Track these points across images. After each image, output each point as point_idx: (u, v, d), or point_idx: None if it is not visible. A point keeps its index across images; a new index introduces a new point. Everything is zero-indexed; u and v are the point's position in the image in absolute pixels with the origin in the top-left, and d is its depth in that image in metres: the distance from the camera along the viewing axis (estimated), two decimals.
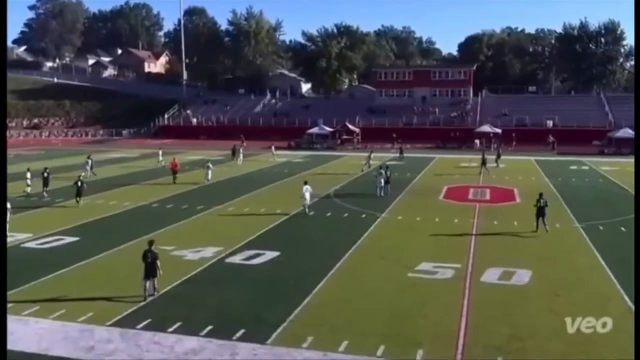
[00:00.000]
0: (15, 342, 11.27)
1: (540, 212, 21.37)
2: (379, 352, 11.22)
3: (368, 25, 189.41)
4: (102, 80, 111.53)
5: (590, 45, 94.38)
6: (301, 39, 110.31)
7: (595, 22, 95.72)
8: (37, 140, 77.54)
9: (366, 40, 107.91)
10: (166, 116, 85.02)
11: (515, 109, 74.29)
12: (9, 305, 12.60)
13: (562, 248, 19.61)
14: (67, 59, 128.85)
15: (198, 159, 47.89)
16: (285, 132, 70.49)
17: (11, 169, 33.40)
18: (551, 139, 60.87)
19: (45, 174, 29.75)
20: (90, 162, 37.60)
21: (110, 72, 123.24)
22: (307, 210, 25.03)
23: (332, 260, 17.49)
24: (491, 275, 16.15)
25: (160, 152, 46.67)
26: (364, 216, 24.61)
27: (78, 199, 26.79)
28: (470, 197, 30.72)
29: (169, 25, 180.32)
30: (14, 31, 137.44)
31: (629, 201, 27.23)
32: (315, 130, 67.18)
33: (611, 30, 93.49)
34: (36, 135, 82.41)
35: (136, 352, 11.26)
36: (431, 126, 73.14)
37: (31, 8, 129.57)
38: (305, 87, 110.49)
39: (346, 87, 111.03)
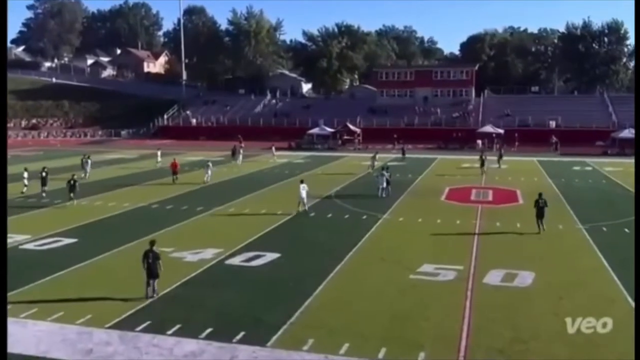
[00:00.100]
0: (14, 344, 11.15)
1: (540, 212, 21.27)
2: (380, 355, 11.14)
3: (369, 24, 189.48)
4: (100, 80, 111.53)
5: (593, 45, 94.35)
6: (301, 39, 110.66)
7: (598, 22, 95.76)
8: (35, 140, 77.37)
9: (367, 39, 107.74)
10: (165, 116, 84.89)
11: (518, 109, 74.08)
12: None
13: (565, 249, 19.50)
14: (66, 59, 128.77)
15: (197, 160, 47.77)
16: (285, 133, 70.34)
17: (9, 170, 32.97)
18: (554, 139, 60.70)
19: (44, 174, 29.71)
20: (89, 162, 37.69)
21: (108, 72, 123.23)
22: (305, 209, 24.94)
23: (333, 262, 17.39)
24: (493, 277, 16.04)
25: (159, 153, 46.60)
26: (364, 217, 24.50)
27: (72, 194, 26.83)
28: (472, 198, 30.60)
29: (168, 25, 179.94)
30: (12, 31, 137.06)
31: (632, 202, 27.02)
32: (315, 130, 67.10)
33: (614, 30, 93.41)
34: (34, 136, 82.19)
35: (135, 355, 11.17)
36: (432, 126, 72.98)
37: (29, 7, 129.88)
38: (306, 87, 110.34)
39: (347, 87, 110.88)
